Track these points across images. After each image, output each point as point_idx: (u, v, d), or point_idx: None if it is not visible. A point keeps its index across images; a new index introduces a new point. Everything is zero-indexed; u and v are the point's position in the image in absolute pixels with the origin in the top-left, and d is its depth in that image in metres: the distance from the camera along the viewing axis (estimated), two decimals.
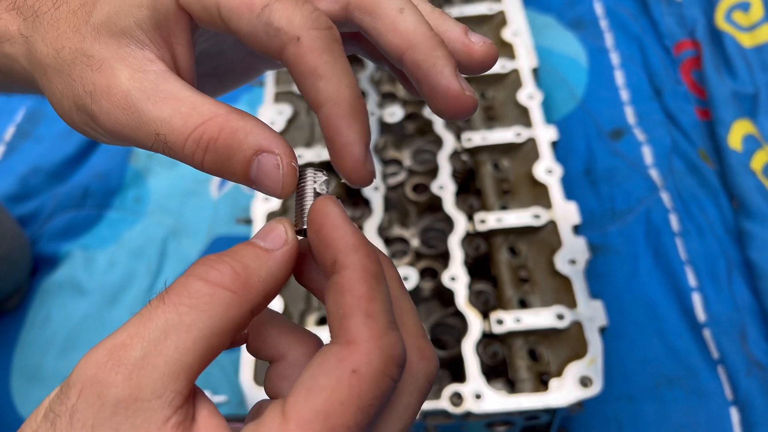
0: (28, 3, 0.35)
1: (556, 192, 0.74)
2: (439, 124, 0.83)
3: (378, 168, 0.80)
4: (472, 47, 0.30)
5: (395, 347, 0.25)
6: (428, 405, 0.61)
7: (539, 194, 0.76)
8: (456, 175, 0.80)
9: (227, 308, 0.25)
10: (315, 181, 0.29)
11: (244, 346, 0.31)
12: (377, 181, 0.78)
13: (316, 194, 0.29)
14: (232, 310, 0.25)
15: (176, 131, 0.29)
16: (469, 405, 0.60)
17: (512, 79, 0.88)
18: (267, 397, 0.30)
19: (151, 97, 0.29)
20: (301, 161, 0.81)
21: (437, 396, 0.62)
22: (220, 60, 0.38)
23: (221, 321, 0.25)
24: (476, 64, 0.31)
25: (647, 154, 0.97)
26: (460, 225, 0.73)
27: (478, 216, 0.74)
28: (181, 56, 0.31)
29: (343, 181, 0.29)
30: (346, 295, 0.25)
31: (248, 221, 0.80)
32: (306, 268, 0.30)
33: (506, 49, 0.91)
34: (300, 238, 0.29)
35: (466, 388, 0.61)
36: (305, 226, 0.29)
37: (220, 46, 0.38)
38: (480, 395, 0.61)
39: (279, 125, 0.86)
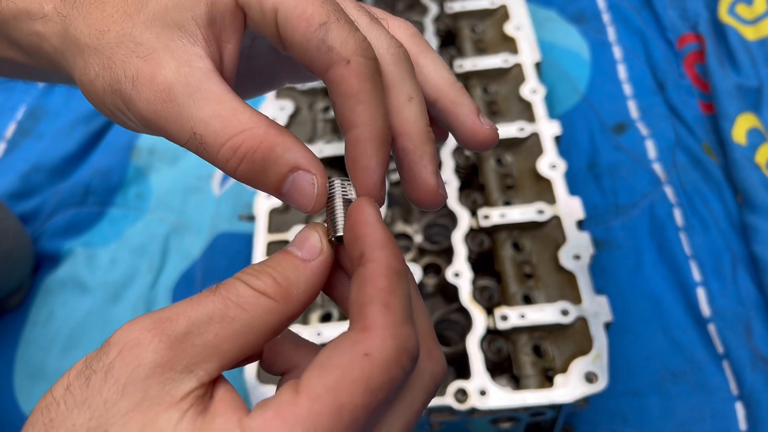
0: None
1: (559, 187, 0.74)
2: None
3: None
4: (481, 128, 0.34)
5: (408, 339, 0.26)
6: (433, 401, 0.60)
7: (543, 189, 0.76)
8: (459, 170, 0.79)
9: (268, 313, 0.27)
10: (344, 191, 0.31)
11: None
12: None
13: (346, 202, 0.31)
14: (272, 316, 0.27)
15: (214, 134, 0.29)
16: (474, 401, 0.60)
17: (515, 74, 0.88)
18: (268, 394, 0.32)
19: (193, 94, 0.29)
20: None
21: (442, 392, 0.62)
22: (247, 65, 0.39)
23: (261, 322, 0.27)
24: (478, 143, 0.34)
25: (651, 149, 0.97)
26: (464, 221, 0.73)
27: (482, 211, 0.74)
28: (228, 56, 0.32)
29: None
30: (368, 285, 0.27)
31: (251, 218, 0.80)
32: (332, 278, 0.32)
33: (509, 44, 0.91)
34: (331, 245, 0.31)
35: (470, 385, 0.61)
36: (339, 234, 0.30)
37: (253, 50, 0.38)
38: (485, 391, 0.61)
39: (281, 121, 0.85)
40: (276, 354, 0.32)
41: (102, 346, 0.26)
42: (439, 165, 0.33)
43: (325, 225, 0.31)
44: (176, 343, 0.26)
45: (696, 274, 0.84)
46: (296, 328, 0.67)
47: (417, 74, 0.33)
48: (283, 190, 0.30)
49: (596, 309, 0.65)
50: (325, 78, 0.30)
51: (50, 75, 0.39)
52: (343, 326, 0.66)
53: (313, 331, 0.67)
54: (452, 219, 0.74)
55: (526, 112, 0.83)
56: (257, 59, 0.39)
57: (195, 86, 0.29)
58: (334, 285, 0.32)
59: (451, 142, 0.80)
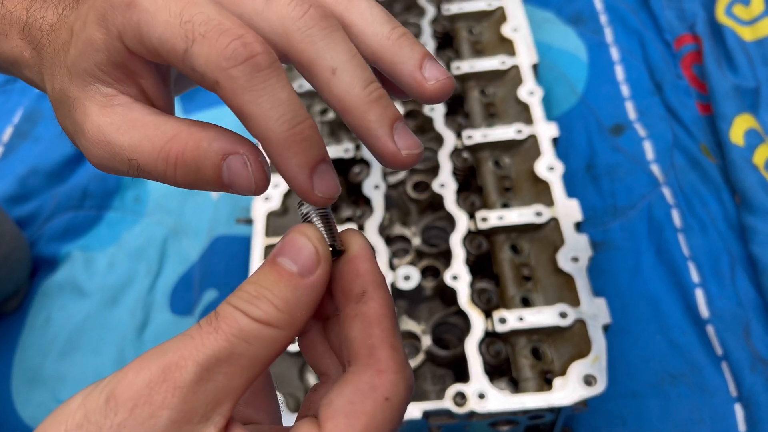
0: (32, 31, 0.36)
1: (557, 189, 0.74)
2: (439, 122, 0.83)
3: (378, 166, 0.80)
4: (423, 85, 0.31)
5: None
6: (432, 405, 0.60)
7: (541, 191, 0.76)
8: (457, 172, 0.79)
9: (273, 342, 0.27)
10: (320, 216, 0.30)
11: None
12: (378, 179, 0.78)
13: (323, 217, 0.30)
14: (277, 344, 0.27)
15: (146, 154, 0.30)
16: (473, 405, 0.60)
17: (512, 76, 0.88)
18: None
19: (120, 128, 0.31)
20: None
21: (440, 396, 0.62)
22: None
23: (267, 352, 0.26)
24: (427, 100, 0.31)
25: (648, 150, 0.97)
26: (462, 223, 0.73)
27: (480, 214, 0.74)
28: (149, 88, 0.32)
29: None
30: (375, 327, 0.28)
31: (248, 221, 0.79)
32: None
33: (506, 45, 0.91)
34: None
35: (469, 388, 0.61)
36: (339, 248, 0.30)
37: None
38: (483, 395, 0.61)
39: None
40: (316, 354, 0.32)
41: (106, 400, 0.25)
42: (401, 116, 0.30)
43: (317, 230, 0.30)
44: (189, 393, 0.25)
45: (694, 276, 0.84)
46: None
47: (349, 36, 0.30)
48: (224, 181, 0.29)
49: (595, 311, 0.65)
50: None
51: None
52: None
53: None
54: (450, 221, 0.74)
55: (523, 113, 0.83)
56: None
57: (119, 121, 0.31)
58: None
59: (448, 143, 0.80)
